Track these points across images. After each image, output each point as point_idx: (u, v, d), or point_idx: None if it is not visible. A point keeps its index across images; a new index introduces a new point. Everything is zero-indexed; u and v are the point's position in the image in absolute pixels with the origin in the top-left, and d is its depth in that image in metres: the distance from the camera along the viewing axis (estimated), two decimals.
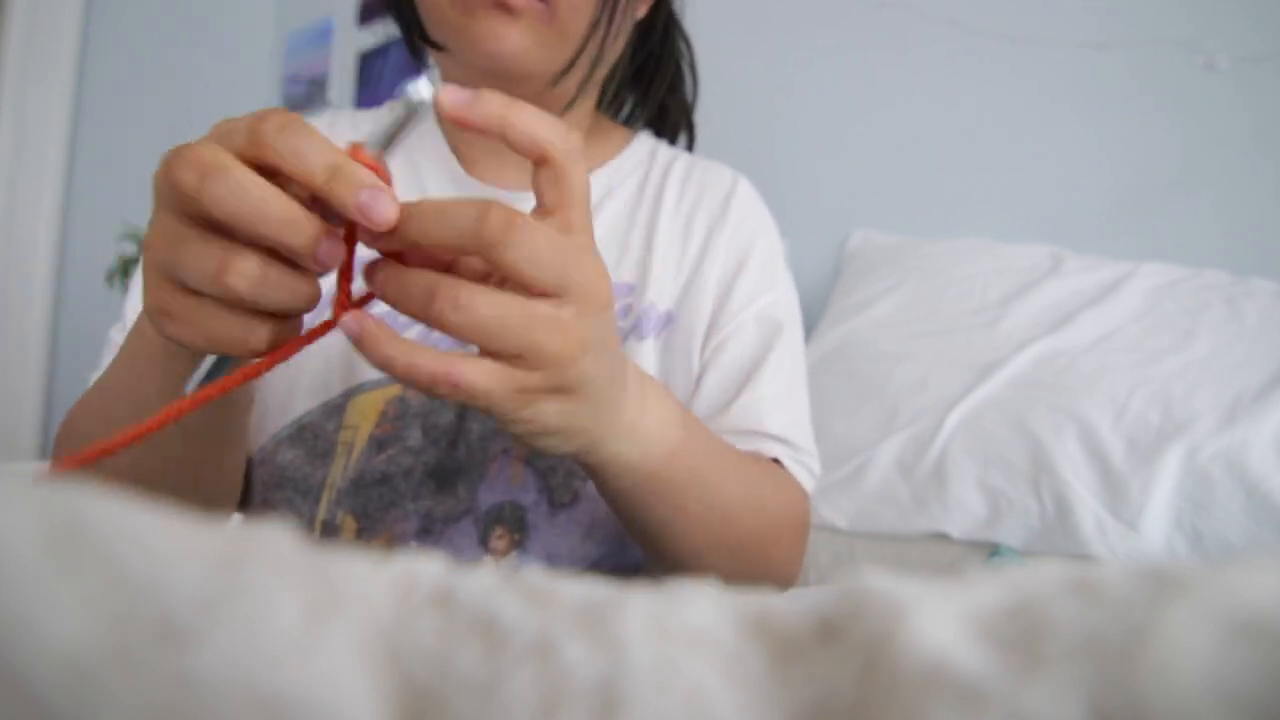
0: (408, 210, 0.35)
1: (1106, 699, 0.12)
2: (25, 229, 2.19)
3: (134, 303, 0.62)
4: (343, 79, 2.15)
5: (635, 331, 0.64)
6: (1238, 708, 0.11)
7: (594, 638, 0.15)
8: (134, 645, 0.14)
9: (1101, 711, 0.12)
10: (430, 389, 0.36)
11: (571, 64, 0.59)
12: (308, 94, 2.21)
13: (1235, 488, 0.95)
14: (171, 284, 0.35)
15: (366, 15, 2.09)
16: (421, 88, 0.36)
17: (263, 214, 0.33)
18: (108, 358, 0.60)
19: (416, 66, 0.68)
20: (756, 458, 0.60)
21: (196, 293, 0.35)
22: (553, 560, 0.59)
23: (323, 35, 2.18)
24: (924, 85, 1.50)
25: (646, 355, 0.64)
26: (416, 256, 0.37)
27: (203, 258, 0.34)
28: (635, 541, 0.58)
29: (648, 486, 0.48)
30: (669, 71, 0.74)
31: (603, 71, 0.65)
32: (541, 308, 0.36)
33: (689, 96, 0.78)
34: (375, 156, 0.36)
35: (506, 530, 0.58)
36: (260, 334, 0.36)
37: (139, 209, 1.96)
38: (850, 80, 1.55)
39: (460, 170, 0.67)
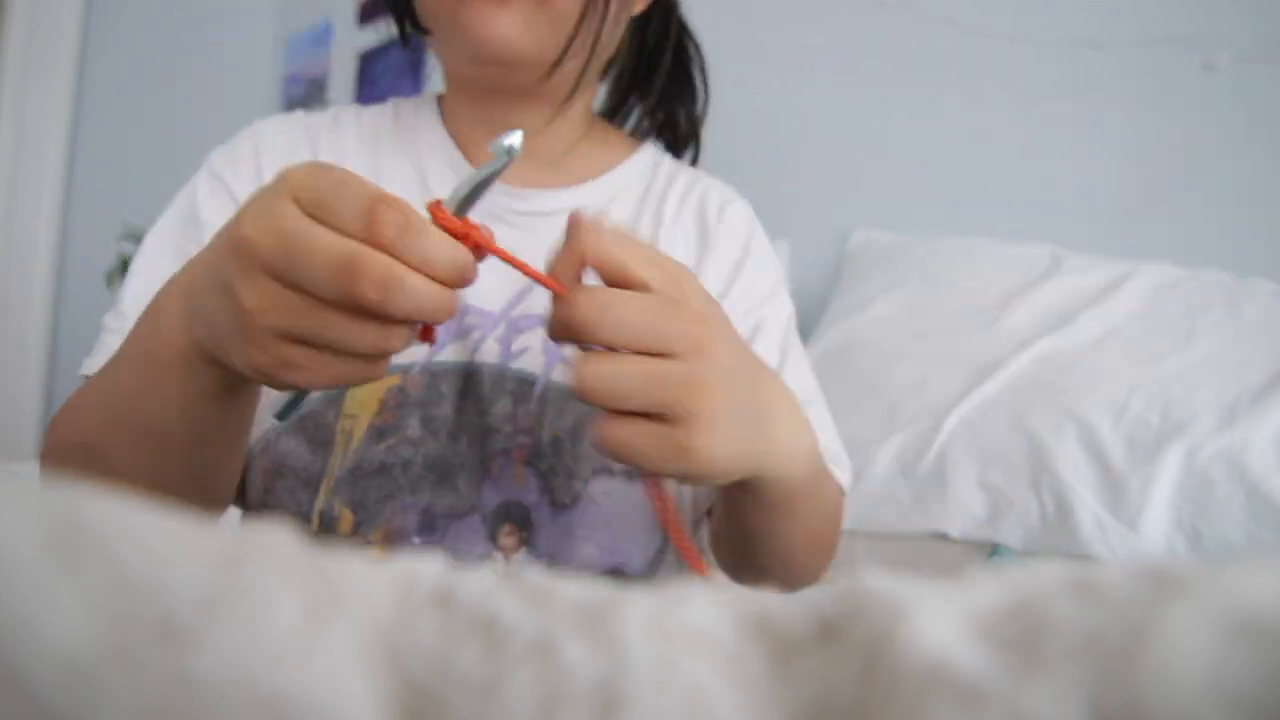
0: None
1: (1106, 699, 0.12)
2: (25, 229, 2.19)
3: (133, 293, 0.61)
4: (343, 79, 2.15)
5: None
6: (1238, 708, 0.11)
7: (594, 638, 0.15)
8: (134, 645, 0.14)
9: (1101, 711, 0.12)
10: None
11: (566, 51, 0.59)
12: (307, 94, 2.21)
13: (1235, 488, 0.95)
14: (294, 342, 0.37)
15: (366, 15, 2.09)
16: (515, 140, 0.39)
17: (435, 311, 0.37)
18: (103, 345, 0.60)
19: (410, 57, 0.68)
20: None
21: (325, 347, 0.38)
22: (555, 561, 0.59)
23: (323, 36, 2.18)
24: (924, 85, 1.50)
25: None
26: None
27: (363, 334, 0.37)
28: (737, 550, 0.60)
29: (789, 501, 0.50)
30: (667, 70, 0.73)
31: (599, 64, 0.65)
32: (662, 365, 0.39)
33: (700, 109, 0.77)
34: (455, 211, 0.39)
35: (515, 528, 0.59)
36: (383, 366, 0.40)
37: (139, 209, 1.96)
38: (850, 80, 1.55)
39: (461, 160, 0.68)
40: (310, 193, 0.36)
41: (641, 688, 0.14)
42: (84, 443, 0.51)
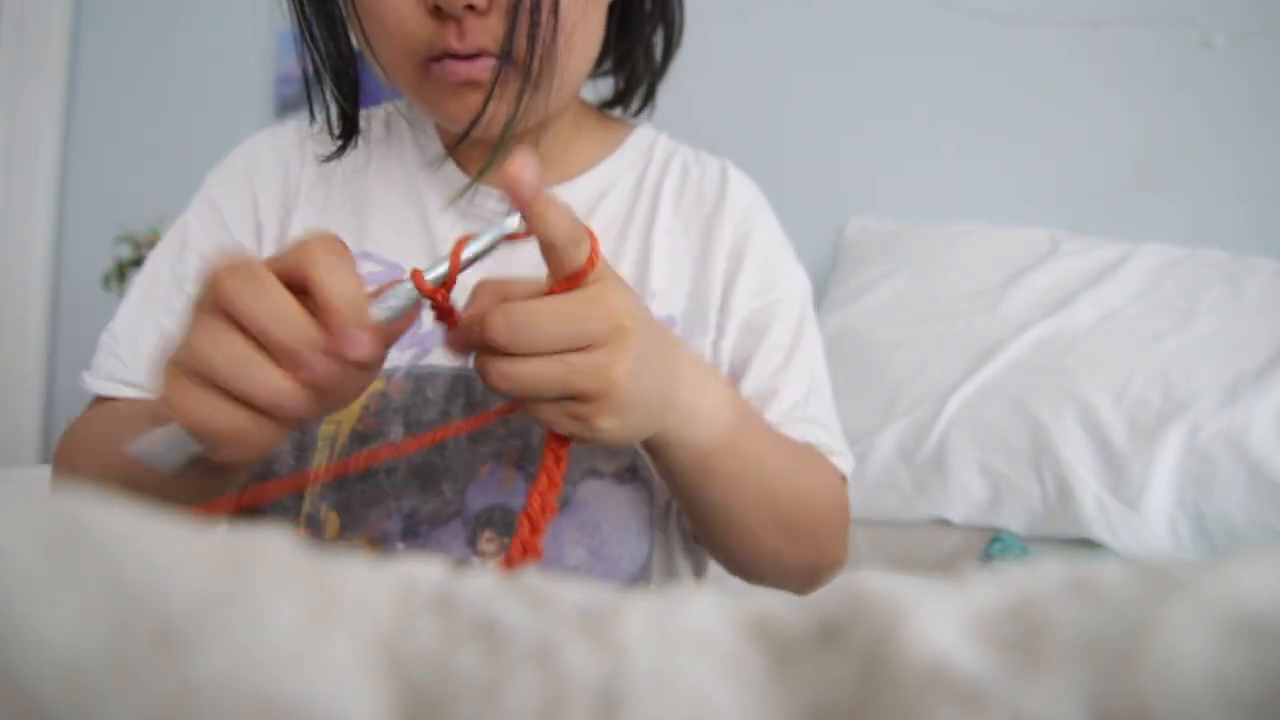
0: (458, 336, 0.44)
1: (1106, 699, 0.12)
2: (21, 233, 2.19)
3: (126, 315, 0.62)
4: None
5: None
6: (1237, 707, 0.11)
7: (594, 641, 0.15)
8: (133, 650, 0.14)
9: (1101, 711, 0.12)
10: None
11: (534, 88, 0.58)
12: (300, 94, 2.20)
13: (1237, 467, 0.96)
14: (184, 373, 0.39)
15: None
16: (514, 223, 0.42)
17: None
18: (99, 365, 0.61)
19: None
20: (802, 445, 0.62)
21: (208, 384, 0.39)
22: (541, 566, 0.59)
23: None
24: (918, 69, 1.49)
25: None
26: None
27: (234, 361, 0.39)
28: (695, 525, 0.60)
29: (703, 466, 0.52)
30: (646, 40, 0.71)
31: (582, 72, 0.64)
32: (576, 359, 0.42)
33: (659, 57, 0.72)
34: (434, 283, 0.42)
35: (495, 534, 0.58)
36: (246, 431, 0.39)
37: (134, 211, 1.96)
38: (843, 66, 1.55)
39: (455, 170, 0.67)
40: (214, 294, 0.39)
41: (642, 690, 0.14)
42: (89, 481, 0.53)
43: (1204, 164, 1.30)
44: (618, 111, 0.74)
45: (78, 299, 2.21)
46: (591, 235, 0.43)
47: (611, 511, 0.60)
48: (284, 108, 2.19)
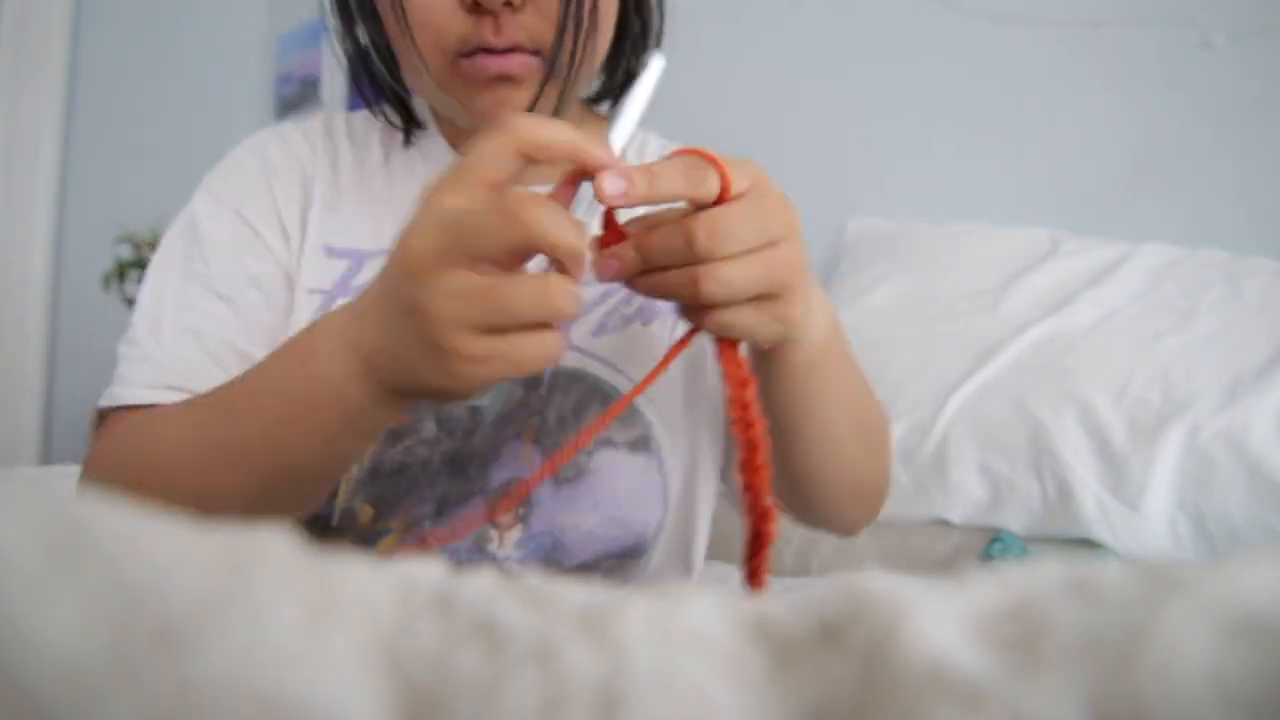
0: (637, 248, 0.45)
1: (1106, 699, 0.12)
2: (21, 233, 2.19)
3: (147, 322, 0.61)
4: (335, 79, 2.14)
5: (640, 316, 0.64)
6: (1237, 706, 0.11)
7: (594, 641, 0.15)
8: (133, 650, 0.14)
9: (1101, 711, 0.12)
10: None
11: (574, 86, 0.59)
12: (300, 94, 2.21)
13: (1237, 467, 0.95)
14: (479, 333, 0.40)
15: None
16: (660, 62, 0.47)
17: (569, 244, 0.41)
18: (123, 375, 0.60)
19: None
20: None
21: (495, 331, 0.41)
22: (557, 534, 0.60)
23: (314, 35, 2.16)
24: (918, 69, 1.49)
25: (653, 340, 0.64)
26: None
27: (524, 287, 0.40)
28: (780, 440, 0.59)
29: (813, 365, 0.54)
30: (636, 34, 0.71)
31: (600, 59, 0.64)
32: (772, 255, 0.45)
33: (638, 41, 0.70)
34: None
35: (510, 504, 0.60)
36: (558, 340, 0.42)
37: (134, 212, 1.96)
38: (843, 66, 1.55)
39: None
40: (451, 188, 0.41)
41: (642, 690, 0.14)
42: (167, 483, 0.52)
43: (1204, 164, 1.30)
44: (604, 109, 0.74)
45: (78, 299, 2.21)
46: (707, 155, 0.45)
47: (626, 480, 0.62)
48: (284, 107, 2.19)
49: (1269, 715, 0.11)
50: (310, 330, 0.48)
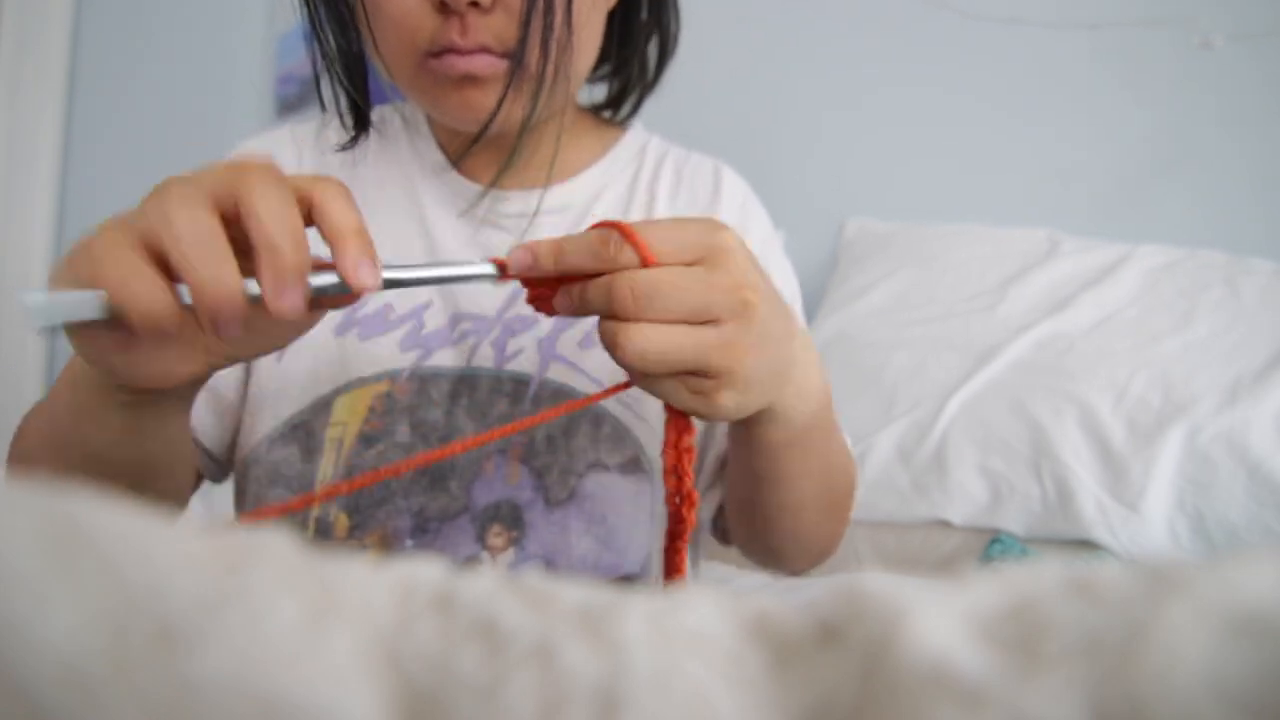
0: (565, 295, 0.43)
1: (1106, 699, 0.12)
2: (20, 233, 2.19)
3: None
4: None
5: None
6: (1237, 705, 0.11)
7: (594, 641, 0.15)
8: (133, 650, 0.14)
9: (1101, 711, 0.12)
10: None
11: (538, 99, 0.58)
12: (300, 95, 2.20)
13: (1237, 468, 0.96)
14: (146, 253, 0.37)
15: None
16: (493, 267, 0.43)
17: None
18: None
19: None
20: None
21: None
22: (550, 557, 0.60)
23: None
24: (916, 70, 1.49)
25: None
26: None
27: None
28: (744, 497, 0.60)
29: (794, 441, 0.52)
30: (643, 47, 0.71)
31: (583, 75, 0.64)
32: (708, 334, 0.41)
33: (652, 67, 0.72)
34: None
35: (504, 528, 0.59)
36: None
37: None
38: (842, 67, 1.55)
39: (452, 171, 0.67)
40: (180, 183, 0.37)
41: (642, 690, 0.14)
42: (26, 461, 0.53)
43: (1204, 165, 1.30)
44: (606, 114, 0.74)
45: None
46: (623, 228, 0.42)
47: (617, 503, 0.61)
48: (284, 108, 2.19)
49: (1269, 715, 0.11)
50: None
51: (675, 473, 0.46)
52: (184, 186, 0.36)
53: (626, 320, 0.41)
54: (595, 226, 0.43)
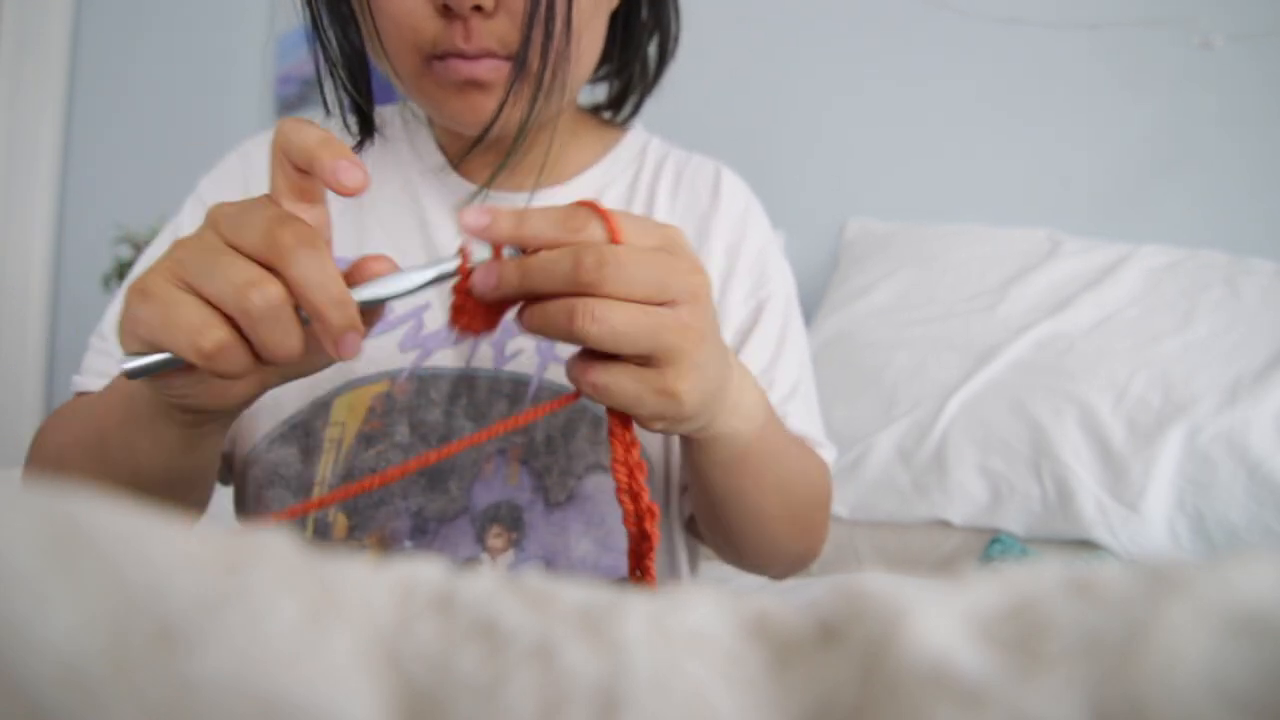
0: (518, 265, 0.41)
1: (1106, 699, 0.12)
2: (21, 234, 2.19)
3: (114, 315, 0.63)
4: None
5: None
6: (1238, 705, 0.11)
7: (594, 641, 0.15)
8: (133, 649, 0.14)
9: (1101, 711, 0.12)
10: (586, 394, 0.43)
11: (546, 94, 0.58)
12: (301, 95, 2.20)
13: (1237, 468, 0.96)
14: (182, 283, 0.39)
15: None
16: (479, 251, 0.42)
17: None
18: (90, 364, 0.62)
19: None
20: (797, 437, 0.64)
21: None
22: (549, 559, 0.60)
23: (314, 35, 2.16)
24: (916, 70, 1.49)
25: None
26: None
27: (235, 268, 0.38)
28: (708, 512, 0.60)
29: (742, 458, 0.52)
30: (643, 51, 0.71)
31: (584, 78, 0.64)
32: (664, 313, 0.41)
33: (653, 67, 0.73)
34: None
35: (503, 529, 0.59)
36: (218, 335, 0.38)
37: (134, 212, 1.96)
38: (842, 68, 1.55)
39: (452, 172, 0.67)
40: (226, 219, 0.39)
41: (642, 690, 0.14)
42: (58, 463, 0.54)
43: (1204, 165, 1.30)
44: (606, 115, 0.74)
45: (78, 299, 2.22)
46: (595, 207, 0.42)
47: (615, 505, 0.61)
48: (284, 108, 2.19)
49: (1269, 715, 0.11)
50: None
51: (629, 491, 0.45)
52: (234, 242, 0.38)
53: (586, 295, 0.40)
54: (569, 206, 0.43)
